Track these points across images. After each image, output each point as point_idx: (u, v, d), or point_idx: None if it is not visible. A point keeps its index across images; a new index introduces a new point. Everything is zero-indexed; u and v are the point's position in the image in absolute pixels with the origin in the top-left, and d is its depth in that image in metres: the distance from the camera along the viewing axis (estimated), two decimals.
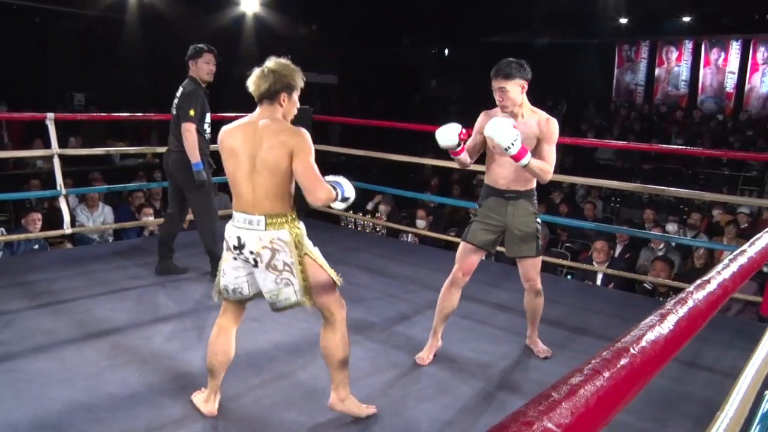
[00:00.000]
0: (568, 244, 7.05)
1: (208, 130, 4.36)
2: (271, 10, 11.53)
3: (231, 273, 2.58)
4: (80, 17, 11.23)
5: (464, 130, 3.12)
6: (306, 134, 2.48)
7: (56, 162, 5.05)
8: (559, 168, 11.45)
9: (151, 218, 6.53)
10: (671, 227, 7.25)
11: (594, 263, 5.54)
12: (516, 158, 2.92)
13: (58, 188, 5.07)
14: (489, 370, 3.27)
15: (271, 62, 2.52)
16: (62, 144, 5.19)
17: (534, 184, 3.24)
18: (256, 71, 2.51)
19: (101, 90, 12.05)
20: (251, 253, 2.47)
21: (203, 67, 4.30)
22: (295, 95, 2.56)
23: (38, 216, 5.76)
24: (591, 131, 12.93)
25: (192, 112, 4.18)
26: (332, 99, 15.50)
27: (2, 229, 6.39)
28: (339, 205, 2.64)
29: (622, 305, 4.52)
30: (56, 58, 12.09)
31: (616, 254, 6.19)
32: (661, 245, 6.37)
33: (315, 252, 2.57)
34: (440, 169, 9.70)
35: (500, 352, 3.50)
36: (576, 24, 14.19)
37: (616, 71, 16.26)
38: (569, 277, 6.00)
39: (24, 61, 11.84)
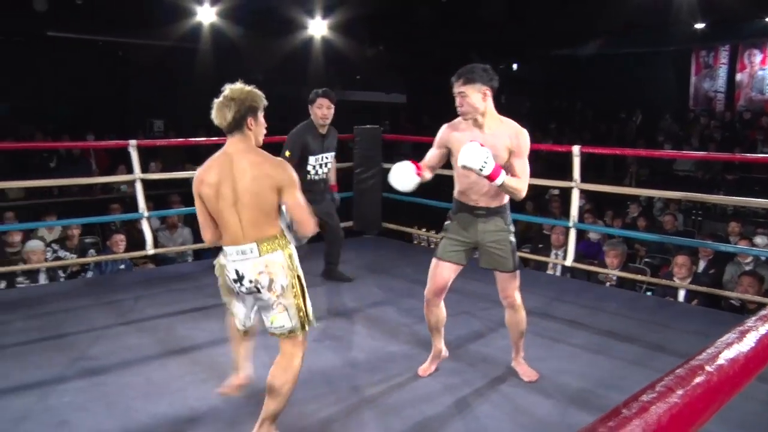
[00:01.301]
0: (647, 260, 6.80)
1: (312, 171, 4.52)
2: (338, 33, 11.75)
3: (241, 311, 2.64)
4: (158, 48, 11.78)
5: (415, 165, 2.98)
6: (288, 165, 2.52)
7: (138, 186, 5.30)
8: (635, 181, 11.11)
9: None
10: (760, 240, 6.89)
11: (675, 279, 5.33)
12: (490, 178, 2.79)
13: (141, 211, 5.31)
14: (566, 388, 3.19)
15: (227, 90, 2.50)
16: (143, 169, 5.44)
17: (506, 200, 3.09)
18: (216, 103, 2.49)
19: (178, 116, 12.57)
20: (251, 282, 2.47)
21: (315, 112, 4.47)
22: (261, 116, 2.53)
23: (122, 237, 6.04)
24: (668, 142, 12.48)
25: (287, 153, 4.35)
26: (402, 118, 15.60)
27: (92, 250, 6.75)
28: None
29: (707, 322, 4.32)
30: (137, 88, 12.73)
31: (700, 269, 5.94)
32: (749, 259, 6.06)
33: (303, 280, 2.54)
34: None
35: (578, 371, 3.41)
36: (649, 32, 13.79)
37: (693, 79, 15.67)
38: (649, 293, 5.78)
39: (109, 93, 12.51)
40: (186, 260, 6.79)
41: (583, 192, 5.54)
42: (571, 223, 5.35)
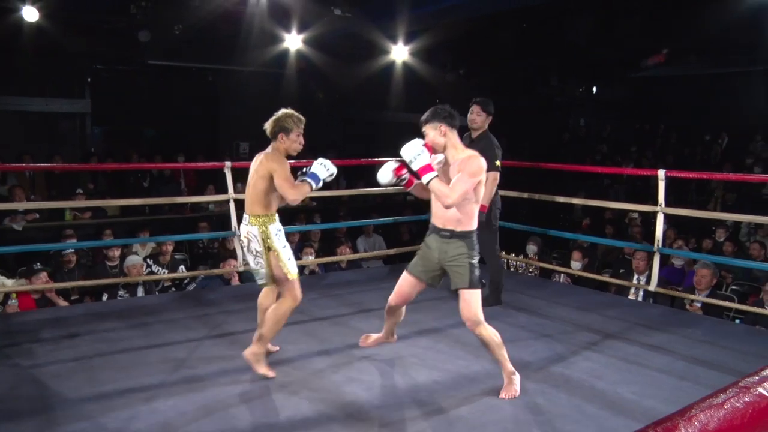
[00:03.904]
0: (734, 287, 6.59)
1: None
2: (419, 59, 11.93)
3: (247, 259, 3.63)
4: (244, 74, 12.26)
5: (398, 166, 3.39)
6: (280, 159, 3.44)
7: (232, 205, 5.59)
8: (721, 206, 10.73)
9: (311, 258, 6.96)
10: None
11: (766, 307, 5.16)
12: (419, 173, 3.13)
13: (233, 229, 5.60)
14: (652, 412, 3.17)
15: (278, 112, 3.53)
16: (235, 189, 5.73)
17: (470, 227, 3.27)
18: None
19: (264, 139, 13.02)
20: (241, 240, 3.55)
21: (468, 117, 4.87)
22: (293, 134, 3.50)
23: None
24: (758, 165, 12.01)
25: None
26: None
27: (182, 266, 7.13)
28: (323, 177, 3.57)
29: None
30: (225, 112, 13.31)
31: None
32: None
33: (279, 249, 3.47)
34: (592, 209, 9.47)
35: (663, 396, 3.39)
36: (738, 52, 13.29)
37: None
38: (737, 321, 5.61)
39: (199, 116, 13.14)
40: None
41: (666, 217, 5.45)
42: (655, 248, 5.28)
